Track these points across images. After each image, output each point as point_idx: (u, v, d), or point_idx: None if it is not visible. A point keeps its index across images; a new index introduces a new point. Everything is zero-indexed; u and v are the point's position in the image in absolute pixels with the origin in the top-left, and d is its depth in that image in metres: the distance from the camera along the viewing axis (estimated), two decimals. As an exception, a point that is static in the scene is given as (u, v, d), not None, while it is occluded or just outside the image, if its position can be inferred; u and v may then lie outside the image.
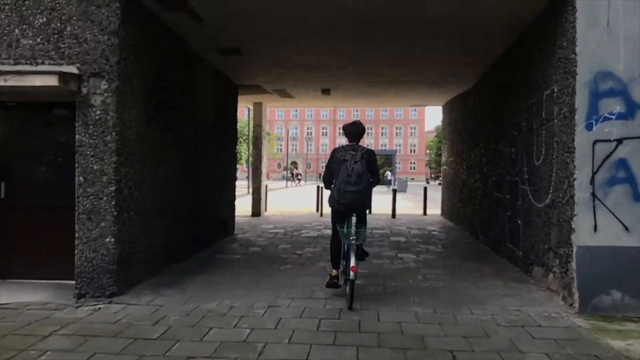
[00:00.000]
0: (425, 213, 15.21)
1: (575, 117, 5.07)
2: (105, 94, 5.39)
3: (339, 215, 5.54)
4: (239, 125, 36.50)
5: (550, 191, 5.70)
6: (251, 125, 14.22)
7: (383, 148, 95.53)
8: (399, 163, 77.91)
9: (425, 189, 15.62)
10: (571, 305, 5.10)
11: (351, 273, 5.08)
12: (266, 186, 15.32)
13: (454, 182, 12.55)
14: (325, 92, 10.77)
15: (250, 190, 14.04)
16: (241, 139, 33.05)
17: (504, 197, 7.76)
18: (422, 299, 5.47)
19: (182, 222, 7.35)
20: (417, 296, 5.60)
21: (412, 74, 9.29)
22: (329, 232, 9.25)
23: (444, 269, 7.10)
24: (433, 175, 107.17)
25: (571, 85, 5.17)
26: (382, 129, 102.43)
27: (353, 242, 5.27)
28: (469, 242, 9.62)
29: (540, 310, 5.09)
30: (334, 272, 5.64)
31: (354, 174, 5.38)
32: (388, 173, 49.48)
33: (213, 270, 6.84)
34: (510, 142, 7.45)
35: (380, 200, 20.44)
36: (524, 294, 5.74)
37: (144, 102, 6.10)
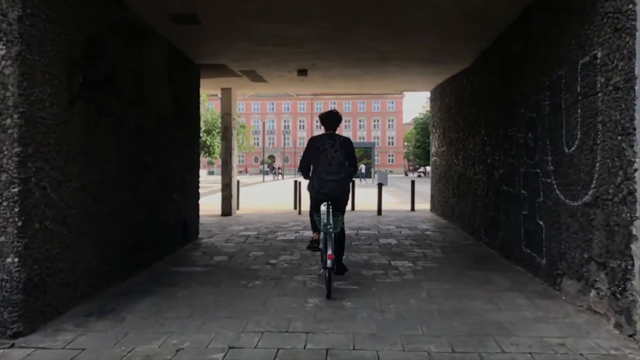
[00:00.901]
0: (413, 208, 13.97)
1: (636, 88, 3.80)
2: (2, 62, 3.94)
3: (318, 203, 5.61)
4: (213, 116, 34.84)
5: (592, 186, 4.44)
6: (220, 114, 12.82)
7: (361, 140, 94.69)
8: (377, 155, 77.06)
9: (413, 182, 14.35)
10: (631, 336, 3.86)
11: (328, 261, 5.06)
12: (238, 182, 13.89)
13: (446, 175, 11.32)
14: (302, 73, 9.39)
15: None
16: (214, 132, 31.45)
17: (517, 192, 6.51)
18: (432, 330, 4.17)
19: (126, 230, 5.92)
20: (426, 325, 4.29)
21: (402, 48, 7.97)
22: (308, 234, 8.00)
23: (450, 281, 5.82)
24: (411, 168, 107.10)
25: (627, 46, 3.90)
26: (360, 121, 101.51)
27: (330, 230, 5.30)
28: (471, 244, 8.39)
29: (591, 344, 3.83)
30: (315, 235, 5.76)
31: (334, 163, 5.42)
32: (362, 166, 48.65)
33: (163, 290, 5.43)
34: (526, 126, 6.19)
35: (363, 195, 19.19)
36: (559, 317, 4.49)
37: (67, 78, 4.65)
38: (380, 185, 12.91)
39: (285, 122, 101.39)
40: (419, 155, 79.93)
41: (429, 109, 55.97)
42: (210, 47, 7.92)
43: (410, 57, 8.48)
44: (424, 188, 34.52)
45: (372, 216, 12.54)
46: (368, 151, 67.03)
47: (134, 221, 6.14)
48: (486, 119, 8.00)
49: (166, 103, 7.45)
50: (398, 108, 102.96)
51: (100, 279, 5.25)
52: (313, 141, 5.67)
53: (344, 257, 5.86)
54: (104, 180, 5.38)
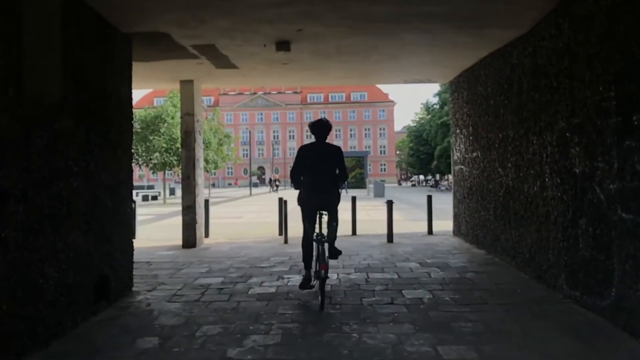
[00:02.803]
0: (430, 231, 11.00)
1: None
2: None
3: (309, 213, 5.50)
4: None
5: None
6: (178, 115, 9.74)
7: (352, 149, 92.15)
8: (370, 165, 74.62)
9: (429, 198, 11.33)
10: None
11: (322, 271, 5.10)
12: (207, 202, 10.89)
13: (481, 189, 8.41)
14: (283, 47, 6.43)
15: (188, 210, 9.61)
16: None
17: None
18: None
19: None
20: None
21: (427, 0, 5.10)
22: (296, 279, 6.34)
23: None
24: (403, 177, 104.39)
25: None
26: (351, 130, 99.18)
27: (323, 240, 5.30)
28: (546, 299, 5.43)
29: None
30: (306, 273, 5.60)
31: (323, 172, 5.49)
32: None
33: None
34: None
35: (363, 213, 16.21)
36: None
37: None
38: (390, 205, 9.92)
39: (274, 132, 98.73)
40: (412, 164, 77.37)
41: (422, 115, 53.38)
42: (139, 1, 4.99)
43: (439, 12, 5.56)
44: (419, 198, 31.48)
45: (381, 244, 9.57)
46: (361, 160, 64.12)
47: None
48: (572, 103, 5.09)
49: (56, 84, 4.49)
50: (389, 116, 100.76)
51: None
52: (303, 150, 5.67)
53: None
54: None
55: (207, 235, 10.84)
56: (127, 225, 6.01)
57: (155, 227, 14.63)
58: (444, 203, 26.32)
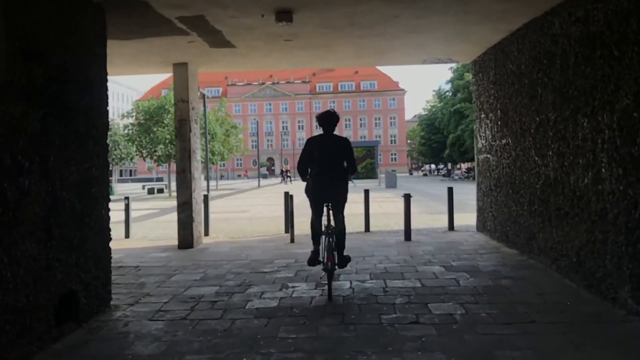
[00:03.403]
0: (452, 227, 10.00)
1: None
2: None
3: (317, 205, 5.48)
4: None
5: None
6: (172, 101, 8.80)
7: (362, 139, 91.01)
8: (380, 154, 73.51)
9: (450, 191, 10.25)
10: None
11: (329, 263, 5.12)
12: (206, 197, 10.00)
13: (512, 180, 7.42)
14: (284, 17, 5.47)
15: (191, 206, 8.68)
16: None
17: None
18: None
19: None
20: None
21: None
22: (302, 288, 5.71)
23: None
24: (414, 166, 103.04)
25: None
26: (361, 120, 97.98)
27: (331, 232, 5.29)
28: (604, 315, 4.46)
29: None
30: (314, 247, 5.53)
31: (329, 164, 5.39)
32: None
33: None
34: None
35: (376, 205, 15.23)
36: None
37: None
38: (408, 198, 8.93)
39: (283, 122, 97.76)
40: (423, 153, 76.06)
41: (433, 103, 52.35)
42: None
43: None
44: (434, 189, 30.33)
45: (398, 243, 8.61)
46: (371, 150, 62.74)
47: None
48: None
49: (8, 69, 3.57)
50: (400, 105, 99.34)
51: None
52: (310, 142, 5.60)
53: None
54: None
55: (207, 233, 9.95)
56: (102, 230, 5.10)
57: (154, 224, 13.79)
58: (461, 194, 24.93)
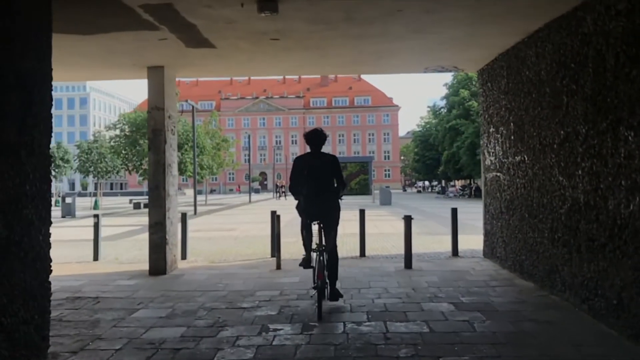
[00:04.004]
0: (456, 252, 9.05)
1: None
2: None
3: (307, 225, 5.49)
4: (185, 127, 29.65)
5: None
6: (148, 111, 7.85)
7: (356, 155, 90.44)
8: (374, 170, 72.82)
9: (454, 212, 9.26)
10: None
11: (319, 282, 5.09)
12: (184, 216, 9.04)
13: (529, 203, 6.52)
14: (267, 6, 4.54)
15: (169, 225, 7.65)
16: (187, 146, 26.59)
17: None
18: None
19: None
20: None
21: None
22: (286, 331, 4.81)
23: None
24: (407, 182, 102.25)
25: None
26: (354, 135, 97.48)
27: (322, 249, 5.23)
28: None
29: None
30: (306, 255, 5.51)
31: (319, 182, 5.37)
32: None
33: None
34: None
35: (371, 225, 14.25)
36: None
37: None
38: (409, 221, 7.98)
39: (277, 137, 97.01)
40: (417, 170, 75.38)
41: (428, 119, 51.83)
42: None
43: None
44: (430, 207, 29.33)
45: (397, 271, 7.65)
46: (365, 166, 62.24)
47: None
48: None
49: None
50: (393, 121, 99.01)
51: None
52: (298, 161, 5.58)
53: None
54: None
55: (184, 256, 8.96)
56: (38, 261, 4.13)
57: (132, 243, 12.75)
58: (460, 213, 23.79)
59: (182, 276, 7.54)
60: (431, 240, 11.54)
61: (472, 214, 21.84)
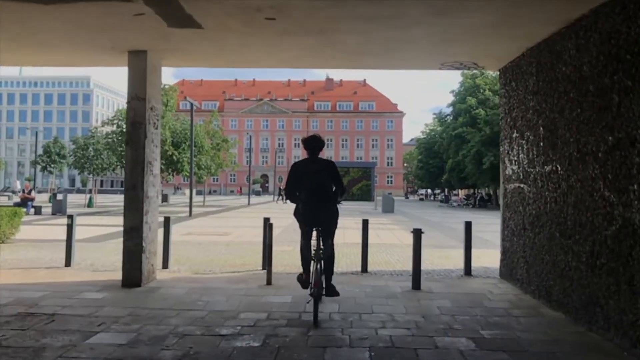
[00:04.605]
0: (469, 271, 8.11)
1: None
2: None
3: (307, 229, 5.42)
4: (184, 126, 28.67)
5: None
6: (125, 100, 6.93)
7: (359, 160, 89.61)
8: (377, 176, 71.96)
9: (468, 226, 8.29)
10: None
11: (315, 289, 5.05)
12: (167, 220, 8.13)
13: (559, 221, 5.59)
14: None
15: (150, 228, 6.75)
16: (184, 145, 25.72)
17: None
18: None
19: None
20: None
21: None
22: None
23: None
24: (410, 189, 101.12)
25: None
26: (358, 140, 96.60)
27: (320, 257, 5.19)
28: None
29: None
30: (305, 275, 5.50)
31: (317, 187, 5.35)
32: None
33: None
34: None
35: (372, 234, 13.30)
36: None
37: None
38: (418, 235, 7.01)
39: (279, 139, 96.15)
40: (420, 177, 74.31)
41: (432, 127, 50.87)
42: None
43: None
44: (434, 216, 28.30)
45: (404, 292, 6.69)
46: (368, 172, 61.31)
47: None
48: None
49: None
50: (397, 127, 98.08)
51: None
52: (296, 167, 5.58)
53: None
54: None
55: (165, 265, 8.05)
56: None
57: (115, 246, 11.76)
58: (462, 222, 22.57)
59: (159, 289, 6.61)
60: (438, 255, 10.60)
61: (480, 225, 20.87)
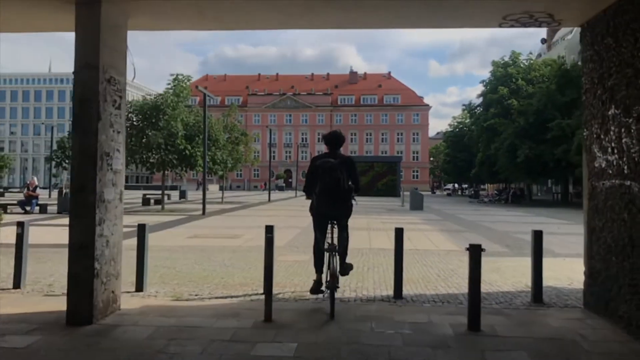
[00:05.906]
0: (539, 297, 6.05)
1: None
2: None
3: (321, 223, 5.51)
4: (197, 118, 26.78)
5: None
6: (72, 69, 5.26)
7: (384, 154, 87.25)
8: (402, 171, 69.64)
9: (538, 235, 6.20)
10: None
11: (331, 281, 5.16)
12: (142, 227, 6.32)
13: None
14: None
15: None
16: (197, 139, 24.07)
17: None
18: None
19: None
20: None
21: None
22: None
23: None
24: (436, 184, 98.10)
25: None
26: (382, 134, 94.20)
27: (334, 250, 5.32)
28: None
29: None
30: (317, 276, 5.55)
31: (333, 182, 5.34)
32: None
33: None
34: None
35: (404, 238, 11.30)
36: None
37: None
38: (477, 253, 4.99)
39: (302, 134, 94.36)
40: (447, 171, 71.56)
41: (460, 119, 48.37)
42: None
43: None
44: (466, 213, 25.95)
45: (457, 337, 4.69)
46: (393, 166, 59.02)
47: None
48: None
49: None
50: (423, 121, 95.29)
51: None
52: (315, 160, 5.56)
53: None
54: None
55: (140, 287, 6.24)
56: None
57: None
58: (503, 222, 20.00)
59: (114, 330, 4.76)
60: (486, 266, 8.50)
61: (519, 224, 18.68)
